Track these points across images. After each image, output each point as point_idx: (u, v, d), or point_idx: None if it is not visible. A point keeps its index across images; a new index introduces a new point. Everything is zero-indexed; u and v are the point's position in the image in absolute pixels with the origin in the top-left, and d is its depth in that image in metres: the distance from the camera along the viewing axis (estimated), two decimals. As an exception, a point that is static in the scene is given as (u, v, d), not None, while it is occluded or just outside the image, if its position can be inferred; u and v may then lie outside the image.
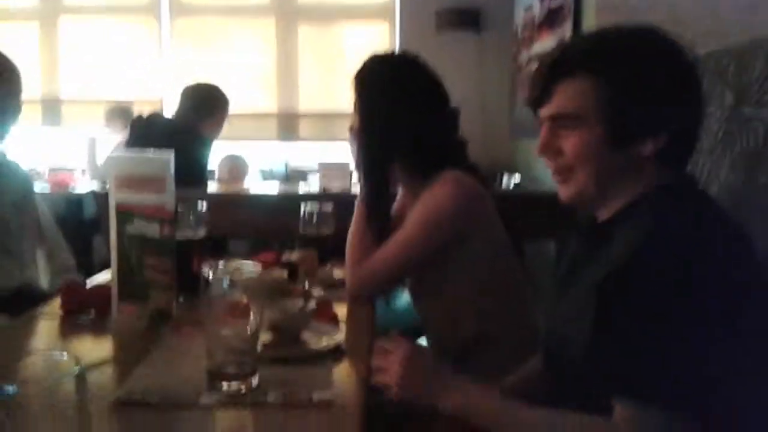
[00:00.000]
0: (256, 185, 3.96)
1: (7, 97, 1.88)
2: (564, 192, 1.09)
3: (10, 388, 0.61)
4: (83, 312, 1.48)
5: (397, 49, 4.89)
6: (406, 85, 1.67)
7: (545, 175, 3.53)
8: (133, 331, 1.37)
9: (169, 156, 1.40)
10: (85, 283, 1.69)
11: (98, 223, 3.85)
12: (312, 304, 1.31)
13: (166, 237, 1.38)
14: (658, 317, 0.88)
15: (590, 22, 3.10)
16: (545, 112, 1.07)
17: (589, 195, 1.07)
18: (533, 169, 3.83)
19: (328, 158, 4.22)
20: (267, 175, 4.57)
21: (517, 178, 3.41)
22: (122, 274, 1.42)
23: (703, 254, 0.91)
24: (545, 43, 3.82)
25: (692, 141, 1.07)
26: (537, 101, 1.09)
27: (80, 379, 0.64)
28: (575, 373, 1.05)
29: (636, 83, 1.02)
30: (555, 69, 1.07)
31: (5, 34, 5.17)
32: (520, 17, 4.55)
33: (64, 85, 5.31)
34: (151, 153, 1.44)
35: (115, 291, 1.42)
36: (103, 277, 1.81)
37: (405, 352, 1.08)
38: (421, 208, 1.61)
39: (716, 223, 0.98)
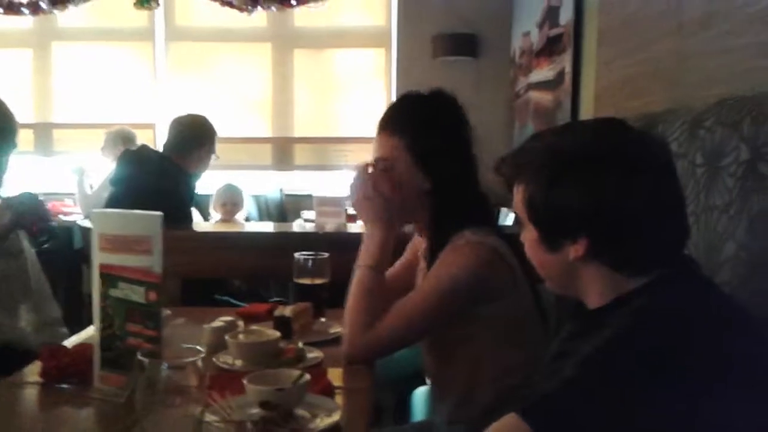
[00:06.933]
0: (250, 224, 3.85)
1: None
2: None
3: None
4: (64, 379, 1.39)
5: (396, 77, 4.86)
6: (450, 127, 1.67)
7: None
8: (116, 404, 1.28)
9: (157, 215, 1.32)
10: (70, 334, 1.60)
11: (87, 253, 3.77)
12: (306, 377, 1.22)
13: (152, 303, 1.30)
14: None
15: (591, 53, 3.04)
16: None
17: (557, 291, 1.13)
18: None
19: (322, 186, 4.16)
20: (261, 201, 4.50)
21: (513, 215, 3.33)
22: (105, 341, 1.34)
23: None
24: (544, 71, 3.76)
25: (628, 236, 1.02)
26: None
27: None
28: None
29: (549, 191, 1.04)
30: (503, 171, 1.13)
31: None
32: (517, 43, 4.50)
33: (58, 112, 5.24)
34: (138, 211, 1.35)
35: (97, 359, 1.34)
36: (88, 332, 1.71)
37: None
38: (435, 275, 1.51)
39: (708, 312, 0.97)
